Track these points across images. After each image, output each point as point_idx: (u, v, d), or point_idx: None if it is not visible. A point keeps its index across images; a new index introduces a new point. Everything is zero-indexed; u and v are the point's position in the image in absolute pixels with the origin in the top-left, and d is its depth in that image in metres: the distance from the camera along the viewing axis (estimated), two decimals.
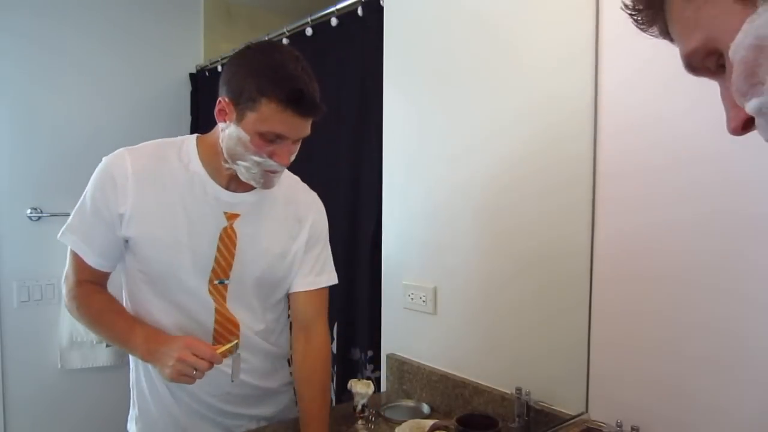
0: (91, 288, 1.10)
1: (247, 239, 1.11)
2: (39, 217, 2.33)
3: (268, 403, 1.24)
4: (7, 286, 2.29)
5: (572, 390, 1.18)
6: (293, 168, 1.12)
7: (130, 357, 1.19)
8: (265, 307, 1.18)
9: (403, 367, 1.53)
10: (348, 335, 1.82)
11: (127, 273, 1.12)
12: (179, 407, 1.15)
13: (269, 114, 0.97)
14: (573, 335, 1.18)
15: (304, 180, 1.25)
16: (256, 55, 1.02)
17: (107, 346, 2.38)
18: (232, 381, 1.04)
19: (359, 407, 1.29)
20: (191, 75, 2.70)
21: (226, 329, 1.12)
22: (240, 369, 1.05)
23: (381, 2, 1.59)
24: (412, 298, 1.51)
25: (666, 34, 0.48)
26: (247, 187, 1.10)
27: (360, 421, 1.29)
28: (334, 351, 1.84)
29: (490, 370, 1.33)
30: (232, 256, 1.10)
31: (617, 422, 1.08)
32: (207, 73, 2.57)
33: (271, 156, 1.01)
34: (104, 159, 1.07)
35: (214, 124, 1.07)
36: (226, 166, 1.06)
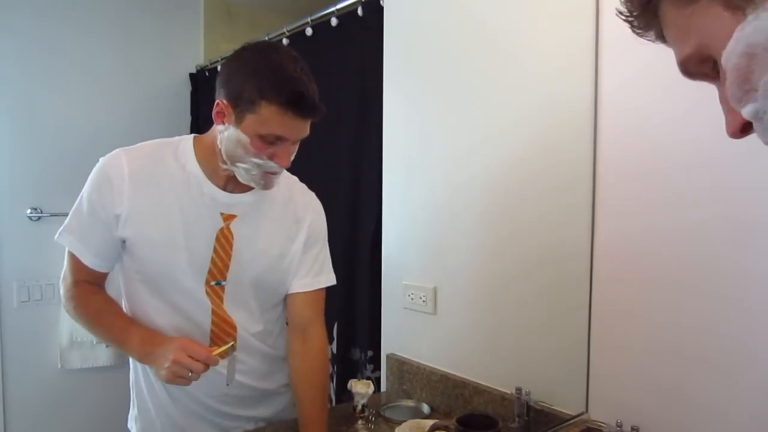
0: (88, 288, 1.10)
1: (245, 240, 1.11)
2: (39, 217, 2.33)
3: (267, 404, 1.24)
4: (7, 286, 2.29)
5: (572, 390, 1.18)
6: (294, 168, 1.12)
7: (130, 357, 1.19)
8: (263, 308, 1.18)
9: (403, 367, 1.53)
10: (348, 335, 1.82)
11: (124, 274, 1.12)
12: (177, 408, 1.15)
13: (269, 116, 0.96)
14: (573, 335, 1.19)
15: (304, 180, 1.24)
16: (254, 56, 1.01)
17: (107, 346, 2.37)
18: (227, 384, 1.04)
19: (359, 407, 1.30)
20: (191, 75, 2.70)
21: (223, 330, 1.12)
22: (235, 372, 1.05)
23: (381, 2, 1.60)
24: (412, 298, 1.51)
25: (662, 38, 0.49)
26: (244, 188, 1.09)
27: (360, 421, 1.30)
28: (334, 351, 1.85)
29: (490, 370, 1.33)
30: (229, 257, 1.10)
31: (617, 422, 1.08)
32: (207, 73, 2.57)
33: (271, 158, 1.01)
34: (101, 160, 1.07)
35: (213, 123, 1.07)
36: (224, 167, 1.05)
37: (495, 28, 1.31)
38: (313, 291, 1.19)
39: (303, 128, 1.01)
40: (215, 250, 1.09)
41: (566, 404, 1.18)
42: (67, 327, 2.33)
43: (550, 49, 1.21)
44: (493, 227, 1.34)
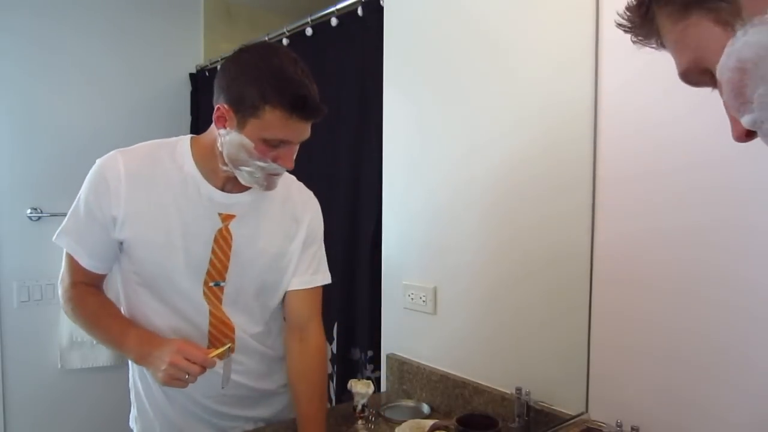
0: (86, 290, 1.10)
1: (244, 240, 1.10)
2: (39, 217, 2.33)
3: (265, 404, 1.24)
4: (7, 286, 2.29)
5: (572, 390, 1.18)
6: (294, 168, 1.11)
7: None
8: (262, 309, 1.18)
9: (403, 367, 1.53)
10: (348, 335, 1.82)
11: (122, 275, 1.11)
12: (174, 408, 1.14)
13: (273, 121, 0.96)
14: (573, 336, 1.19)
15: (304, 180, 1.24)
16: (254, 59, 0.99)
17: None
18: (222, 387, 1.04)
19: (359, 407, 1.29)
20: (191, 75, 2.70)
21: (221, 332, 1.12)
22: (230, 375, 1.04)
23: (381, 2, 1.59)
24: (412, 298, 1.51)
25: (664, 46, 0.50)
26: (242, 188, 1.09)
27: (360, 421, 1.30)
28: (334, 351, 1.85)
29: (490, 370, 1.33)
30: (228, 257, 1.09)
31: (617, 422, 1.08)
32: (207, 73, 2.57)
33: (275, 160, 1.00)
34: (97, 161, 1.07)
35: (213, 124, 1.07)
36: (224, 169, 1.05)
37: (495, 28, 1.31)
38: (311, 289, 1.19)
39: (306, 130, 1.01)
40: (213, 251, 1.08)
41: (566, 404, 1.18)
42: (67, 327, 2.33)
43: (551, 50, 1.21)
44: (493, 227, 1.34)
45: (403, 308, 1.54)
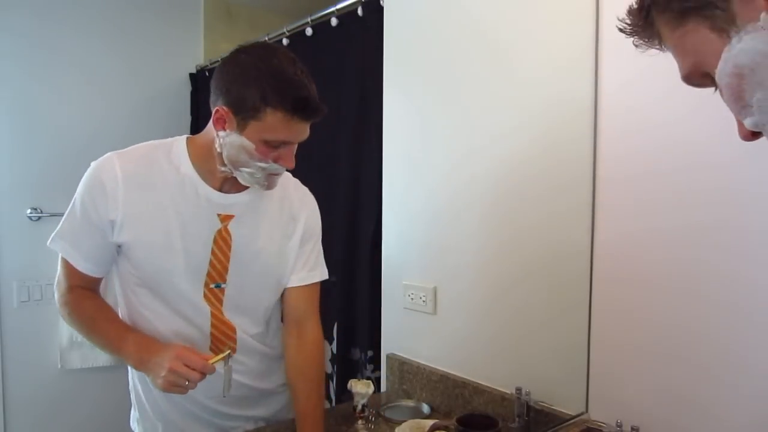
0: (82, 294, 1.09)
1: (243, 240, 1.10)
2: (39, 217, 2.33)
3: (265, 404, 1.24)
4: (7, 286, 2.29)
5: (572, 390, 1.18)
6: (294, 168, 1.11)
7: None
8: (263, 308, 1.18)
9: (403, 367, 1.53)
10: (348, 335, 1.82)
11: (121, 278, 1.11)
12: (175, 409, 1.14)
13: (275, 123, 0.96)
14: (573, 335, 1.19)
15: (303, 180, 1.24)
16: (253, 60, 0.98)
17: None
18: (224, 396, 1.03)
19: (359, 407, 1.30)
20: (191, 75, 2.70)
21: (223, 333, 1.12)
22: (231, 382, 1.04)
23: (381, 2, 1.59)
24: (412, 298, 1.51)
25: (665, 48, 0.51)
26: (239, 188, 1.09)
27: (360, 421, 1.30)
28: (334, 351, 1.85)
29: (490, 370, 1.33)
30: (227, 258, 1.09)
31: (617, 422, 1.08)
32: (207, 73, 2.57)
33: (276, 160, 1.00)
34: (92, 164, 1.05)
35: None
36: (223, 170, 1.04)
37: (495, 28, 1.31)
38: (309, 285, 1.19)
39: (306, 130, 1.01)
40: (213, 252, 1.08)
41: (566, 404, 1.18)
42: (67, 327, 2.29)
43: (551, 50, 1.21)
44: (494, 227, 1.34)
45: (403, 308, 1.54)
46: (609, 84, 1.12)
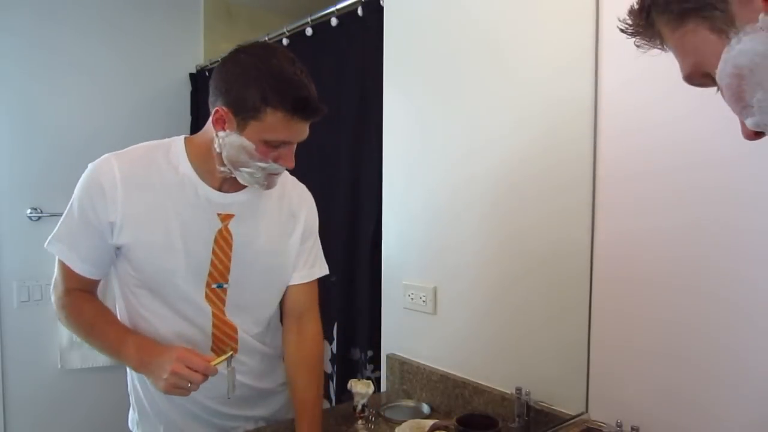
0: (80, 296, 1.08)
1: (244, 239, 1.10)
2: (39, 217, 2.33)
3: (265, 403, 1.24)
4: (7, 286, 2.29)
5: (572, 390, 1.18)
6: (294, 168, 1.11)
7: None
8: (264, 308, 1.18)
9: (403, 367, 1.53)
10: (348, 335, 1.82)
11: (120, 280, 1.10)
12: (175, 410, 1.14)
13: (275, 123, 0.96)
14: (573, 335, 1.19)
15: (303, 180, 1.24)
16: (252, 60, 0.98)
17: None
18: (229, 398, 1.03)
19: (359, 407, 1.30)
20: (191, 75, 2.70)
21: (224, 333, 1.12)
22: (235, 382, 1.04)
23: (381, 2, 1.59)
24: (412, 298, 1.51)
25: (667, 48, 0.51)
26: (238, 187, 1.09)
27: (360, 421, 1.30)
28: (334, 351, 1.85)
29: (490, 370, 1.33)
30: (229, 258, 1.09)
31: (617, 422, 1.08)
32: (207, 73, 2.57)
33: (275, 160, 1.00)
34: (90, 166, 1.05)
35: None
36: (222, 170, 1.04)
37: (495, 28, 1.31)
38: (308, 282, 1.20)
39: (306, 129, 1.01)
40: (214, 252, 1.08)
41: (566, 404, 1.18)
42: None
43: (551, 49, 1.21)
44: (494, 227, 1.34)
45: (403, 308, 1.54)
46: (609, 84, 1.12)
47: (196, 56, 2.72)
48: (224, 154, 1.01)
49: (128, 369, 1.19)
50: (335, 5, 1.77)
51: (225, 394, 1.08)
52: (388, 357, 1.59)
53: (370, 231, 1.69)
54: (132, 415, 1.22)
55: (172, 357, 0.96)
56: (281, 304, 1.22)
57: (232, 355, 1.03)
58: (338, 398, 1.81)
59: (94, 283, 1.10)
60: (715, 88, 0.47)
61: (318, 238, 1.24)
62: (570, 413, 1.17)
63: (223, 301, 1.11)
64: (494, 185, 1.32)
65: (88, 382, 2.41)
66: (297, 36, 1.97)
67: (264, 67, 0.96)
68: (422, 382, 1.47)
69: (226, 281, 1.10)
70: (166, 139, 1.10)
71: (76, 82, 2.39)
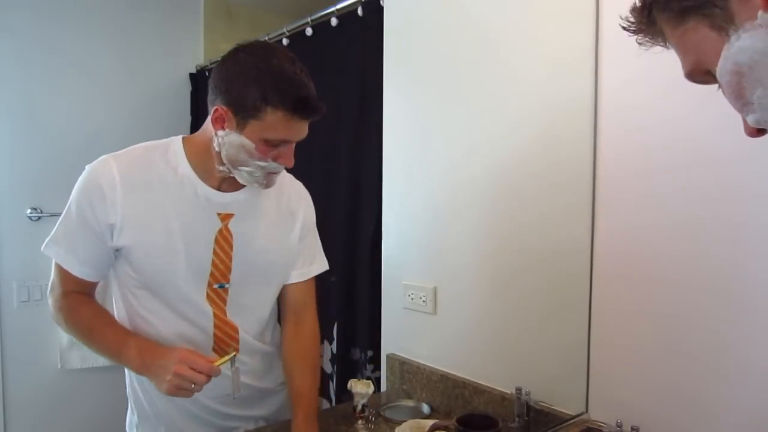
0: (78, 299, 1.08)
1: (244, 238, 1.10)
2: (39, 217, 2.33)
3: (265, 403, 1.24)
4: (7, 286, 2.29)
5: (572, 390, 1.18)
6: (294, 168, 1.11)
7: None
8: (264, 307, 1.18)
9: (403, 367, 1.53)
10: (348, 335, 1.82)
11: (120, 282, 1.10)
12: (176, 411, 1.14)
13: (275, 122, 0.96)
14: (573, 335, 1.19)
15: (303, 180, 1.25)
16: (252, 59, 0.97)
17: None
18: (234, 398, 1.03)
19: (359, 407, 1.30)
20: (191, 75, 2.70)
21: (225, 334, 1.12)
22: (240, 382, 1.04)
23: (381, 2, 1.59)
24: (412, 298, 1.51)
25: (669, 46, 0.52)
26: (237, 186, 1.08)
27: (360, 421, 1.30)
28: (334, 351, 1.85)
29: (490, 370, 1.33)
30: (230, 257, 1.09)
31: (617, 422, 1.08)
32: (207, 73, 2.57)
33: (275, 159, 1.00)
34: (88, 167, 1.04)
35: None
36: (221, 169, 1.04)
37: (495, 27, 1.31)
38: (306, 280, 1.21)
39: (305, 129, 1.01)
40: (215, 252, 1.08)
41: (566, 404, 1.18)
42: None
43: (550, 49, 1.21)
44: (494, 227, 1.33)
45: (403, 308, 1.54)
46: (609, 83, 1.12)
47: (196, 56, 2.72)
48: (223, 153, 1.01)
49: (126, 370, 1.18)
50: (335, 5, 1.77)
51: (226, 394, 1.08)
52: (388, 357, 1.59)
53: (370, 231, 1.69)
54: (130, 418, 1.21)
55: (174, 358, 0.95)
56: (279, 301, 1.22)
57: (235, 355, 1.03)
58: (338, 398, 1.81)
59: (92, 286, 1.09)
60: (717, 86, 0.48)
61: (317, 233, 1.25)
62: (570, 413, 1.17)
63: (224, 301, 1.11)
64: (494, 185, 1.32)
65: (87, 382, 2.42)
66: (297, 36, 1.97)
67: (264, 66, 0.96)
68: (422, 382, 1.47)
69: (228, 281, 1.10)
70: (164, 140, 1.10)
71: (76, 82, 2.39)
